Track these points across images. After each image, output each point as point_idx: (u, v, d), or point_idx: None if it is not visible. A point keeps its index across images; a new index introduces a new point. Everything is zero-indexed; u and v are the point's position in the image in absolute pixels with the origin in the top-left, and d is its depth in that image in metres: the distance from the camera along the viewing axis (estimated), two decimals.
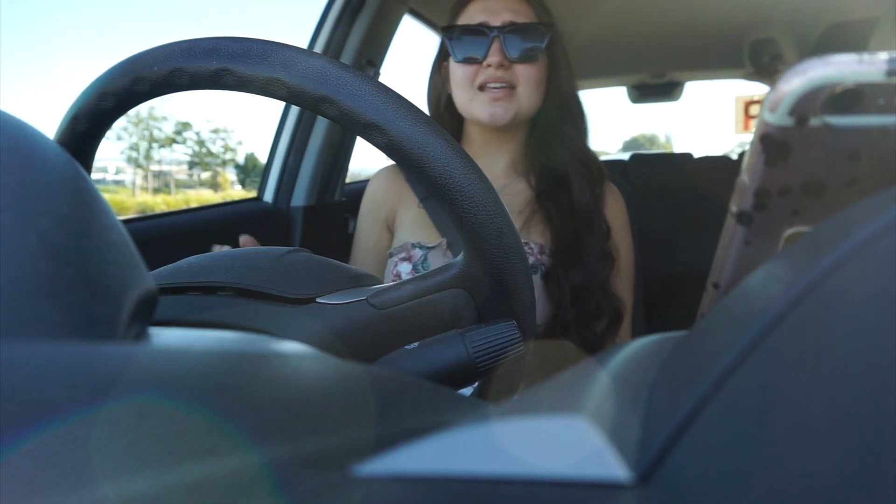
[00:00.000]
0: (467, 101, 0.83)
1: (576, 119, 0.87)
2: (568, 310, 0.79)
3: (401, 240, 0.87)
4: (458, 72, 0.83)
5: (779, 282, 0.13)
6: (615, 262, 0.84)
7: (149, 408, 0.12)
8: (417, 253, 0.83)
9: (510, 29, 0.80)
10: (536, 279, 0.81)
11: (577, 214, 0.83)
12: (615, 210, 0.89)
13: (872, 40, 1.47)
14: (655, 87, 2.55)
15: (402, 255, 0.84)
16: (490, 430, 0.14)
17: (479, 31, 0.81)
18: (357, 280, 0.38)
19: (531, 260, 0.81)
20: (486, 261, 0.36)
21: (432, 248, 0.83)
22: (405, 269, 0.82)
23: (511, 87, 0.81)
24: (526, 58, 0.80)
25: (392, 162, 0.95)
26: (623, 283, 0.87)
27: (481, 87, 0.81)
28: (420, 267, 0.82)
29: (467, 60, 0.82)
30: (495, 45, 0.79)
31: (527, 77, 0.81)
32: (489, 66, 0.80)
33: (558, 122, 0.86)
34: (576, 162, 0.85)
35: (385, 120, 0.33)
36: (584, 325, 0.80)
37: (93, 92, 0.37)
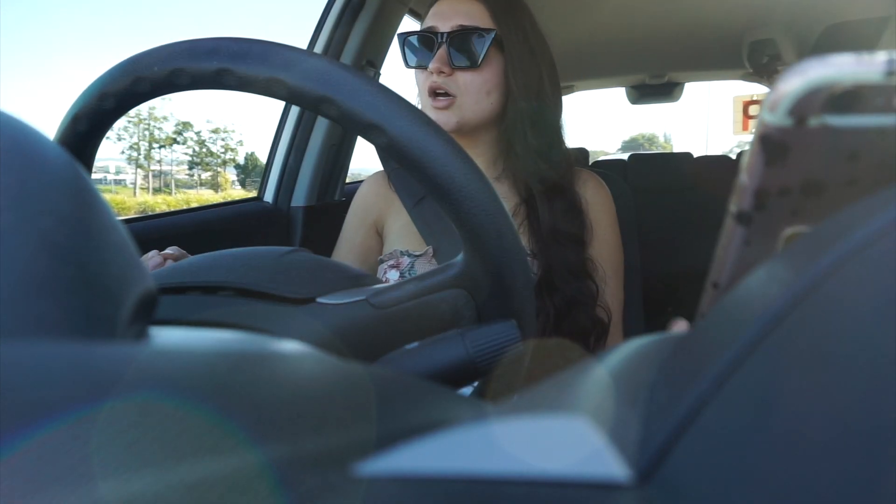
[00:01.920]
0: (425, 107, 0.83)
1: (526, 133, 0.81)
2: (553, 329, 0.77)
3: (390, 247, 0.87)
4: (415, 78, 0.84)
5: (778, 282, 0.13)
6: (590, 273, 0.82)
7: (149, 407, 0.12)
8: (405, 260, 0.83)
9: (457, 34, 0.78)
10: None
11: (542, 228, 0.80)
12: (602, 209, 0.86)
13: (881, 40, 1.47)
14: (655, 87, 2.55)
15: (392, 262, 0.84)
16: (490, 430, 0.14)
17: (428, 36, 0.80)
18: (357, 280, 0.38)
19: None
20: (485, 261, 0.36)
21: (419, 256, 0.83)
22: (393, 276, 0.83)
23: (452, 96, 0.79)
24: (466, 65, 0.79)
25: (380, 168, 0.95)
26: (610, 286, 0.84)
27: (430, 94, 0.80)
28: (407, 274, 0.82)
29: (416, 67, 0.82)
30: (439, 52, 0.78)
31: (468, 85, 0.79)
32: (432, 72, 0.79)
33: (514, 134, 0.82)
34: (532, 177, 0.81)
35: (385, 120, 0.33)
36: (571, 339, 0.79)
37: (93, 92, 0.37)
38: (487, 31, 0.79)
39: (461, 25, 0.79)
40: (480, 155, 0.87)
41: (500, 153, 0.87)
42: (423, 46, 0.81)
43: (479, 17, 0.80)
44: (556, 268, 0.79)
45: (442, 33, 0.79)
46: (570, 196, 0.83)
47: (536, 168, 0.82)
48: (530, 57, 0.82)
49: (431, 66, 0.78)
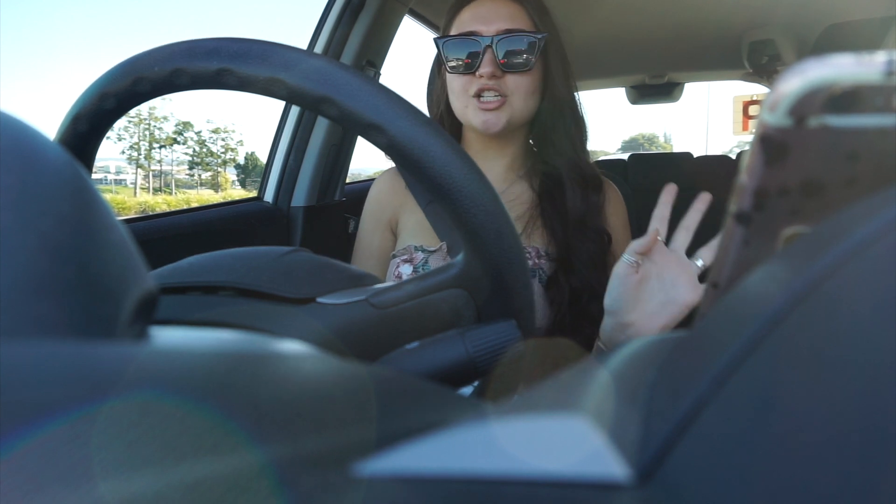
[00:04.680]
0: (462, 108, 0.83)
1: (569, 125, 0.86)
2: (565, 314, 0.79)
3: (404, 242, 0.88)
4: (452, 81, 0.83)
5: (778, 282, 0.13)
6: (608, 268, 0.84)
7: (150, 406, 0.12)
8: (419, 256, 0.84)
9: (503, 38, 0.79)
10: (535, 283, 0.81)
11: (568, 220, 0.83)
12: (616, 214, 0.89)
13: (885, 41, 1.47)
14: (655, 87, 2.55)
15: (405, 256, 0.85)
16: (490, 430, 0.14)
17: (472, 40, 0.80)
18: (357, 280, 0.38)
19: (529, 264, 0.81)
20: (485, 261, 0.36)
21: (433, 251, 0.84)
22: (406, 271, 0.83)
23: (503, 96, 0.80)
24: (518, 68, 0.80)
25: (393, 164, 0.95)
26: None
27: (475, 95, 0.81)
28: (421, 269, 0.83)
29: (460, 70, 0.81)
30: (487, 56, 0.79)
31: (519, 86, 0.81)
32: (481, 76, 0.79)
33: (552, 128, 0.85)
34: (569, 168, 0.84)
35: (385, 120, 0.33)
36: (579, 331, 0.80)
37: (94, 92, 0.37)
38: (536, 34, 0.80)
39: (507, 29, 0.79)
40: (509, 155, 0.88)
41: (527, 151, 0.89)
42: (465, 50, 0.81)
43: (521, 20, 0.81)
44: (578, 258, 0.81)
45: (488, 37, 0.79)
46: (602, 191, 0.86)
47: (577, 160, 0.85)
48: (564, 53, 0.86)
49: (483, 71, 0.79)
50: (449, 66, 0.82)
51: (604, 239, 0.84)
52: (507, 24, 0.80)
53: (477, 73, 0.79)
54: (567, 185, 0.83)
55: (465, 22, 0.82)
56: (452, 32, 0.83)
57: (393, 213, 0.92)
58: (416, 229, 0.88)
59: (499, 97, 0.80)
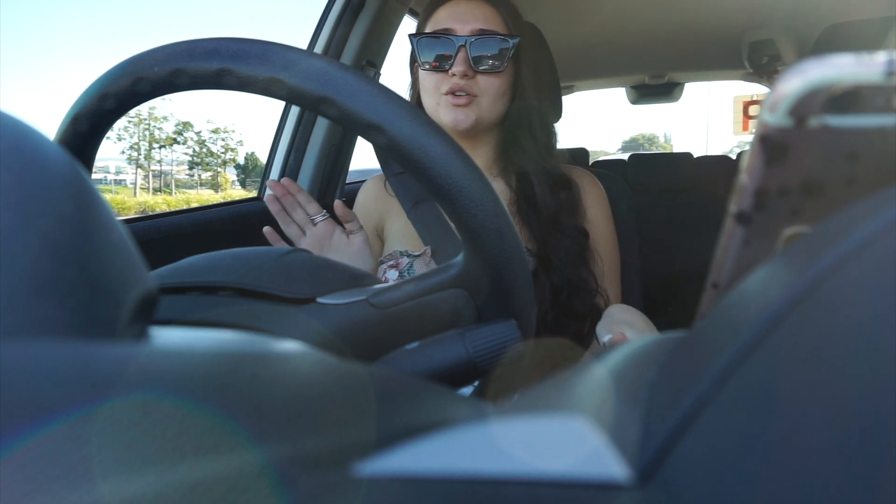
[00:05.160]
0: (434, 105, 0.84)
1: (535, 128, 0.87)
2: (548, 311, 0.80)
3: (390, 248, 0.90)
4: (425, 78, 0.84)
5: (778, 282, 0.13)
6: (588, 263, 0.85)
7: (149, 406, 0.12)
8: (404, 260, 0.85)
9: (477, 38, 0.80)
10: None
11: (542, 218, 0.84)
12: (596, 205, 0.89)
13: (885, 41, 1.47)
14: (655, 87, 2.55)
15: (391, 262, 0.87)
16: (490, 430, 0.14)
17: (446, 39, 0.81)
18: (357, 280, 0.38)
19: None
20: (486, 261, 0.36)
21: (418, 256, 0.85)
22: (392, 276, 0.85)
23: (472, 96, 0.81)
24: (490, 69, 0.81)
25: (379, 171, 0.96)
26: (607, 278, 0.88)
27: (447, 93, 0.82)
28: (406, 274, 0.84)
29: (433, 68, 0.82)
30: (461, 55, 0.80)
31: (488, 87, 0.82)
32: (454, 75, 0.80)
33: (519, 129, 0.87)
34: (536, 168, 0.86)
35: (385, 120, 0.33)
36: (564, 328, 0.81)
37: (94, 92, 0.37)
38: (509, 37, 0.81)
39: (481, 29, 0.81)
40: (482, 155, 0.90)
41: (501, 152, 0.90)
42: (439, 48, 0.82)
43: (494, 22, 0.82)
44: (556, 255, 0.82)
45: (462, 37, 0.80)
46: (573, 189, 0.87)
47: (544, 162, 0.86)
48: (536, 59, 0.88)
49: (455, 70, 0.80)
50: (422, 64, 0.84)
51: (580, 235, 0.85)
52: (481, 24, 0.81)
53: (450, 72, 0.81)
54: (536, 184, 0.85)
55: (440, 20, 0.83)
56: (427, 31, 0.84)
57: (379, 219, 0.94)
58: (402, 234, 0.89)
59: (468, 96, 0.81)
